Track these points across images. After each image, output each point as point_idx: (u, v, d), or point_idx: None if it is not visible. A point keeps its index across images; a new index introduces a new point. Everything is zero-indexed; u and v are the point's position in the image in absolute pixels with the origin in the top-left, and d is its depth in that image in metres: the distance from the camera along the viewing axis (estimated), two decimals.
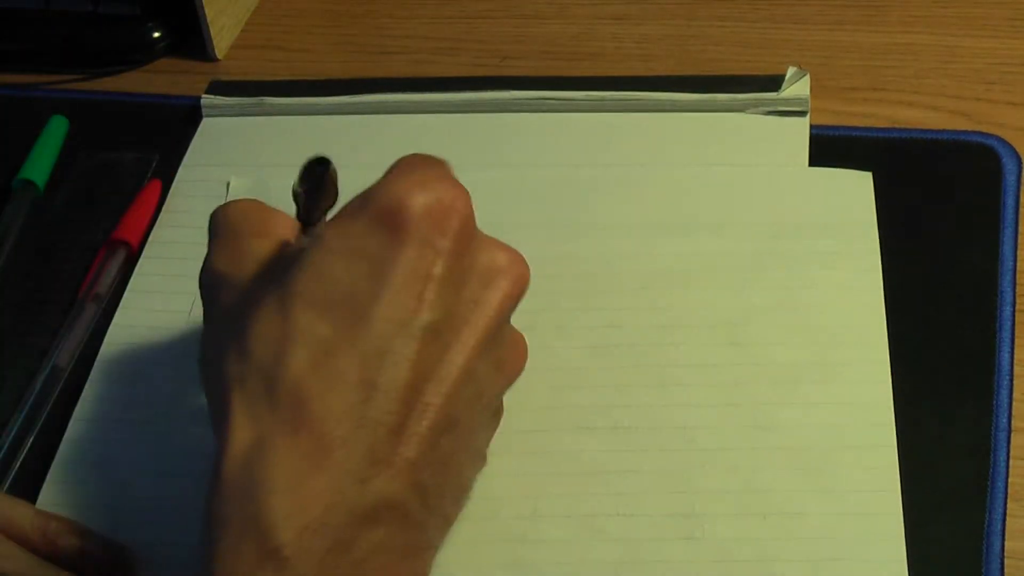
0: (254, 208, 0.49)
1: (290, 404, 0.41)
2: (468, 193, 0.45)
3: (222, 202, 0.64)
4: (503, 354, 0.46)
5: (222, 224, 0.48)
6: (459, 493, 0.47)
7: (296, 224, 0.47)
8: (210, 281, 0.48)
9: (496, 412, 0.49)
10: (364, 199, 0.44)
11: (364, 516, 0.41)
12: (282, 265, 0.45)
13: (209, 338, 0.47)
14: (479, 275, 0.45)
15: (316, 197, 0.45)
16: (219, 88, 0.70)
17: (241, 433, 0.41)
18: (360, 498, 0.41)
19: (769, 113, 0.65)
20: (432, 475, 0.43)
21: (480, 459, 0.49)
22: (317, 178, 0.44)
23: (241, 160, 0.67)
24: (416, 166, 0.45)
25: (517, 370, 0.48)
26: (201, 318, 0.59)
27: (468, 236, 0.44)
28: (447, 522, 0.46)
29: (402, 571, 0.43)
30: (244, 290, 0.46)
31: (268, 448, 0.41)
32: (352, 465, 0.41)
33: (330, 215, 0.46)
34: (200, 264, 0.61)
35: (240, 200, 0.49)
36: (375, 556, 0.41)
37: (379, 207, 0.44)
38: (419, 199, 0.43)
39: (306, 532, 0.39)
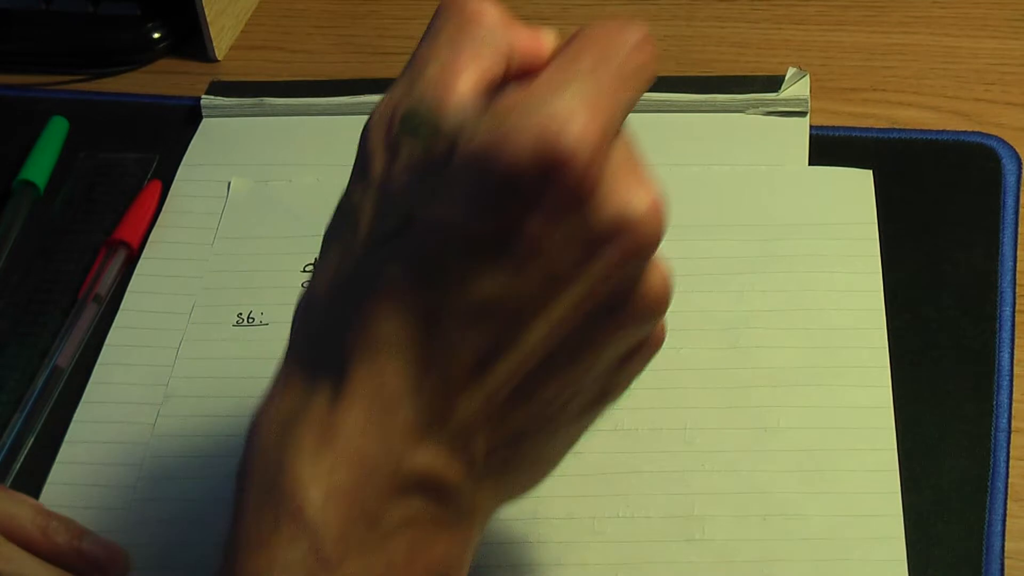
0: None
1: (341, 358, 0.37)
2: (607, 119, 0.36)
3: (222, 203, 0.64)
4: (618, 302, 0.38)
5: None
6: (534, 469, 0.42)
7: None
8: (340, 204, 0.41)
9: (629, 358, 0.41)
10: (477, 129, 0.36)
11: (400, 486, 0.37)
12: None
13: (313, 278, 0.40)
14: (592, 232, 0.36)
15: None
16: (219, 89, 0.70)
17: (289, 394, 0.38)
18: (399, 466, 0.37)
19: (769, 113, 0.65)
20: (493, 447, 0.39)
21: (578, 427, 0.43)
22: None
23: (241, 160, 0.67)
24: (547, 87, 0.35)
25: (646, 315, 0.39)
26: (199, 318, 0.59)
27: (584, 188, 0.35)
28: (503, 499, 0.42)
29: (433, 549, 0.39)
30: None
31: (308, 410, 0.37)
32: (396, 431, 0.37)
33: None
34: (200, 265, 0.61)
35: None
36: (405, 531, 0.37)
37: (476, 147, 0.35)
38: (521, 144, 0.34)
39: (331, 499, 0.36)
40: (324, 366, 0.38)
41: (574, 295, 0.37)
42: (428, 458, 0.37)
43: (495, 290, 0.36)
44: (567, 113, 0.35)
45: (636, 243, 0.36)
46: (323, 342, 0.38)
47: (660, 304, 0.39)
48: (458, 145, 0.36)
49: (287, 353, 0.40)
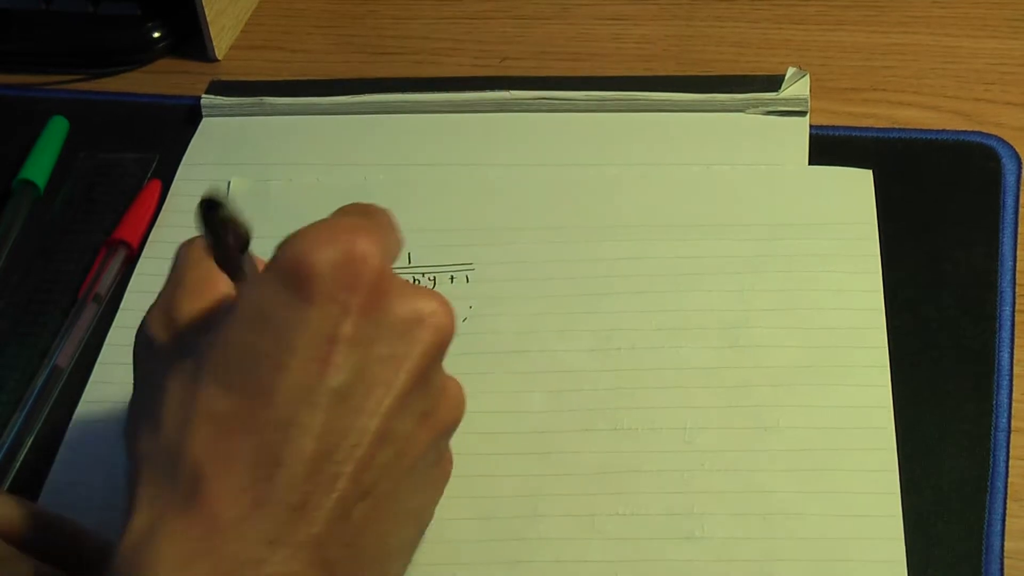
0: (201, 261, 0.47)
1: (187, 485, 0.40)
2: (385, 244, 0.43)
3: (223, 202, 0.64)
4: (428, 407, 0.44)
5: (173, 273, 0.48)
6: (386, 560, 0.45)
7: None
8: (143, 339, 0.47)
9: (434, 467, 0.47)
10: (275, 256, 0.42)
11: None
12: (205, 330, 0.43)
13: (132, 407, 0.46)
14: (394, 329, 0.43)
15: (216, 242, 0.42)
16: (219, 88, 0.70)
17: (140, 518, 0.40)
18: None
19: (769, 113, 0.65)
20: (343, 548, 0.41)
21: (418, 519, 0.47)
22: (210, 222, 0.42)
23: (241, 160, 0.67)
24: (333, 218, 0.44)
25: (449, 422, 0.46)
26: None
27: (381, 290, 0.42)
28: None
29: None
30: (169, 355, 0.45)
31: (160, 532, 0.40)
32: (245, 546, 0.39)
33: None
34: None
35: (194, 247, 0.48)
36: None
37: (284, 265, 0.42)
38: (324, 254, 0.41)
39: None
40: (173, 487, 0.40)
41: (397, 384, 0.42)
42: (288, 566, 0.39)
43: (325, 379, 0.41)
44: (359, 231, 0.42)
45: (436, 330, 0.43)
46: (167, 460, 0.41)
47: (455, 409, 0.46)
48: (275, 258, 0.43)
49: (132, 471, 0.43)
